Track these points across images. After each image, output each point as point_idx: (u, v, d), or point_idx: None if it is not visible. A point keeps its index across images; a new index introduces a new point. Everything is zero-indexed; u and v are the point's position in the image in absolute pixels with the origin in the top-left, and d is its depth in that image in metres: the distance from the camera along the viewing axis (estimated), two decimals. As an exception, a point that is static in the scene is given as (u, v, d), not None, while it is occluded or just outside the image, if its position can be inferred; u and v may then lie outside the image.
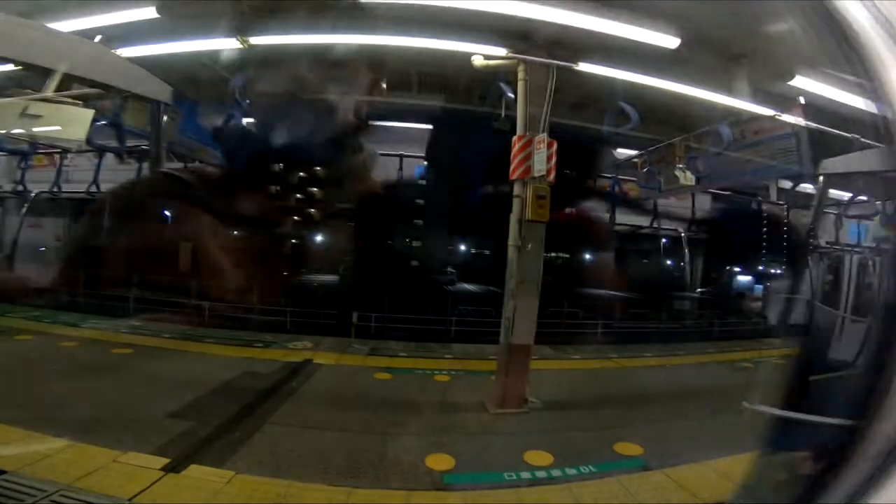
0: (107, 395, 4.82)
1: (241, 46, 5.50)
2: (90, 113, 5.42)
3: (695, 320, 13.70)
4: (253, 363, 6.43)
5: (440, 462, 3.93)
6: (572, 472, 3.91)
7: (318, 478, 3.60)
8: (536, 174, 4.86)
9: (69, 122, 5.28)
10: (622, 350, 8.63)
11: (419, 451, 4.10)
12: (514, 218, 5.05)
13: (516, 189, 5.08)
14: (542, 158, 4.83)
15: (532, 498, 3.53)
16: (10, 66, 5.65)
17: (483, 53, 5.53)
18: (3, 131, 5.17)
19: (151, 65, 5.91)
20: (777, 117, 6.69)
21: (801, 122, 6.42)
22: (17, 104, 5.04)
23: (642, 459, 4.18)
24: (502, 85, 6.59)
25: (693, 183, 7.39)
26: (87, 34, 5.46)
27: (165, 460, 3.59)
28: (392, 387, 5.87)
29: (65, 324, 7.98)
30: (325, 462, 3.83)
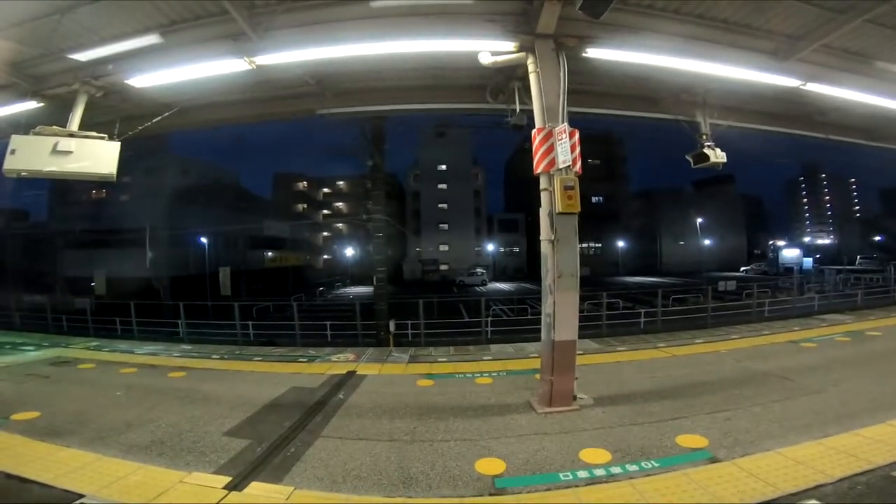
0: (167, 417, 5.04)
1: (249, 67, 5.57)
2: (116, 146, 5.57)
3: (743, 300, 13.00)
4: (299, 378, 6.57)
5: (490, 466, 3.88)
6: (633, 468, 3.76)
7: (373, 490, 3.61)
8: (562, 165, 4.74)
9: (98, 157, 5.47)
10: (671, 338, 8.29)
11: (468, 456, 4.08)
12: (543, 212, 4.94)
13: (543, 182, 4.97)
14: (565, 149, 4.71)
15: (592, 497, 3.41)
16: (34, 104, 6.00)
17: (490, 50, 5.48)
18: (33, 168, 5.35)
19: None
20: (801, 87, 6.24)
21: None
22: (46, 140, 5.26)
23: (709, 451, 3.97)
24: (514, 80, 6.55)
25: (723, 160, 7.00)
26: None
27: (227, 479, 3.69)
28: (435, 393, 5.86)
29: (122, 352, 8.46)
30: (378, 473, 3.83)
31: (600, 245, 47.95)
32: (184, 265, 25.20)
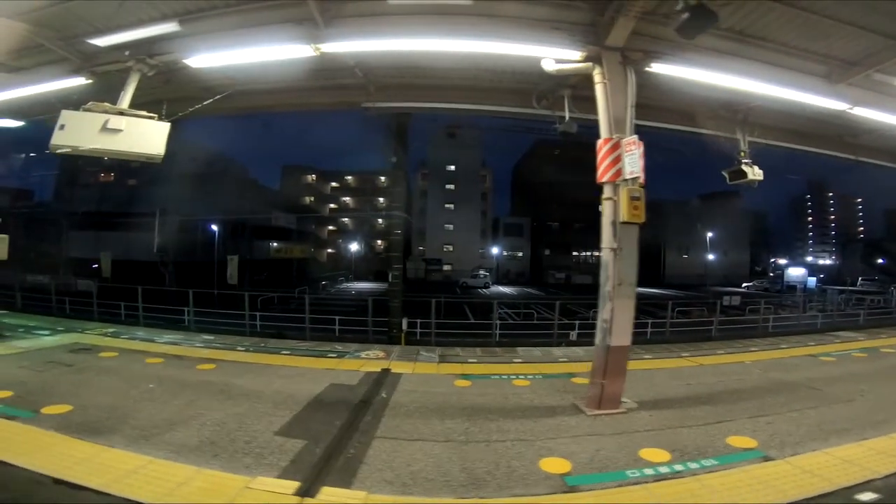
0: (211, 414, 4.83)
1: (312, 54, 5.46)
2: (166, 127, 5.41)
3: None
4: (334, 374, 6.48)
5: (556, 465, 3.92)
6: (694, 465, 3.90)
7: (444, 491, 3.56)
8: (629, 176, 4.80)
9: (147, 138, 5.32)
10: (694, 348, 8.50)
11: (530, 456, 4.09)
12: (606, 220, 5.00)
13: (606, 192, 5.03)
14: (633, 160, 4.77)
15: (664, 492, 3.51)
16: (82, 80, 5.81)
17: (553, 58, 5.49)
18: (81, 144, 5.14)
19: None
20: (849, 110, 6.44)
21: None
22: (96, 118, 5.10)
23: (761, 451, 4.15)
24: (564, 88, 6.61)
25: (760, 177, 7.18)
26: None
27: (296, 484, 3.50)
28: (476, 394, 5.85)
29: (142, 340, 8.22)
30: (444, 475, 3.78)
31: (604, 254, 48.21)
32: (191, 252, 24.62)
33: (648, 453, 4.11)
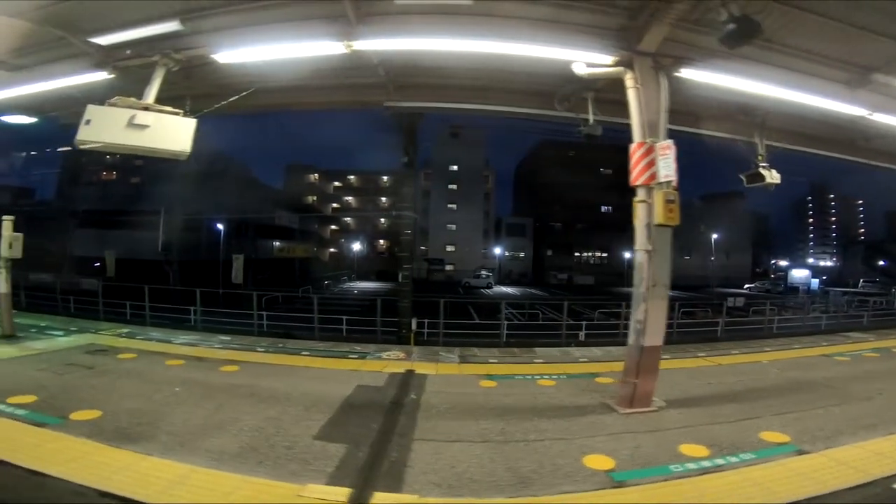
0: (245, 418, 4.73)
1: (345, 51, 5.42)
2: (192, 123, 5.31)
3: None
4: (360, 376, 6.45)
5: (599, 462, 3.96)
6: (734, 459, 3.99)
7: (492, 492, 3.56)
8: (663, 179, 4.86)
9: (173, 134, 5.22)
10: (710, 348, 8.64)
11: (572, 453, 4.13)
12: (639, 223, 5.05)
13: (640, 195, 5.08)
14: (667, 164, 4.84)
15: (709, 485, 3.60)
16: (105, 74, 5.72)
17: (585, 61, 5.52)
18: (107, 140, 4.99)
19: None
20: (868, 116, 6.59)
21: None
22: (122, 113, 4.99)
23: (794, 445, 4.27)
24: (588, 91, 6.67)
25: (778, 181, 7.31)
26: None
27: (347, 490, 3.44)
28: (503, 394, 5.86)
29: (158, 341, 8.10)
30: (489, 475, 3.79)
31: (606, 255, 48.41)
32: (194, 250, 24.33)
33: (688, 449, 4.20)
